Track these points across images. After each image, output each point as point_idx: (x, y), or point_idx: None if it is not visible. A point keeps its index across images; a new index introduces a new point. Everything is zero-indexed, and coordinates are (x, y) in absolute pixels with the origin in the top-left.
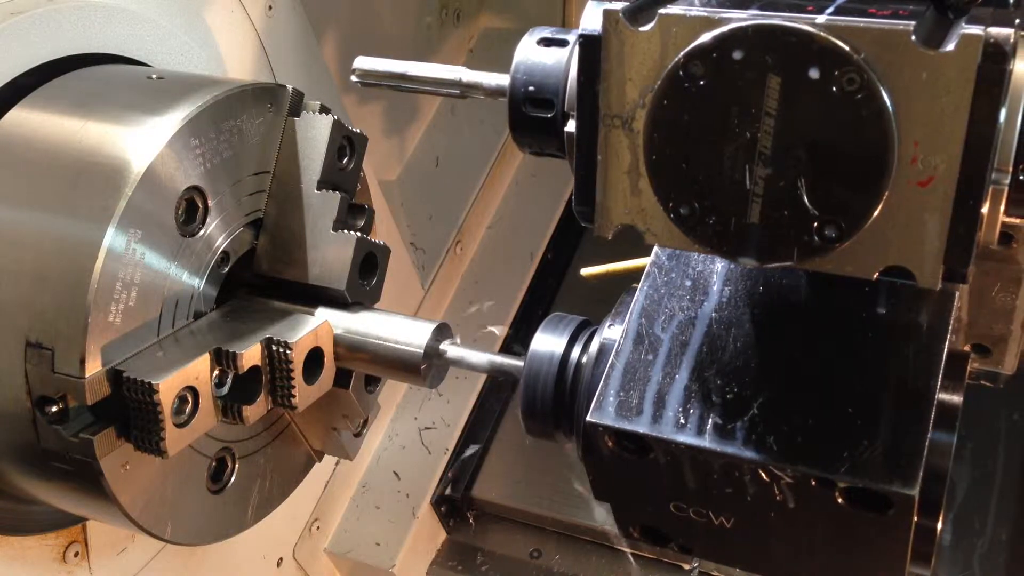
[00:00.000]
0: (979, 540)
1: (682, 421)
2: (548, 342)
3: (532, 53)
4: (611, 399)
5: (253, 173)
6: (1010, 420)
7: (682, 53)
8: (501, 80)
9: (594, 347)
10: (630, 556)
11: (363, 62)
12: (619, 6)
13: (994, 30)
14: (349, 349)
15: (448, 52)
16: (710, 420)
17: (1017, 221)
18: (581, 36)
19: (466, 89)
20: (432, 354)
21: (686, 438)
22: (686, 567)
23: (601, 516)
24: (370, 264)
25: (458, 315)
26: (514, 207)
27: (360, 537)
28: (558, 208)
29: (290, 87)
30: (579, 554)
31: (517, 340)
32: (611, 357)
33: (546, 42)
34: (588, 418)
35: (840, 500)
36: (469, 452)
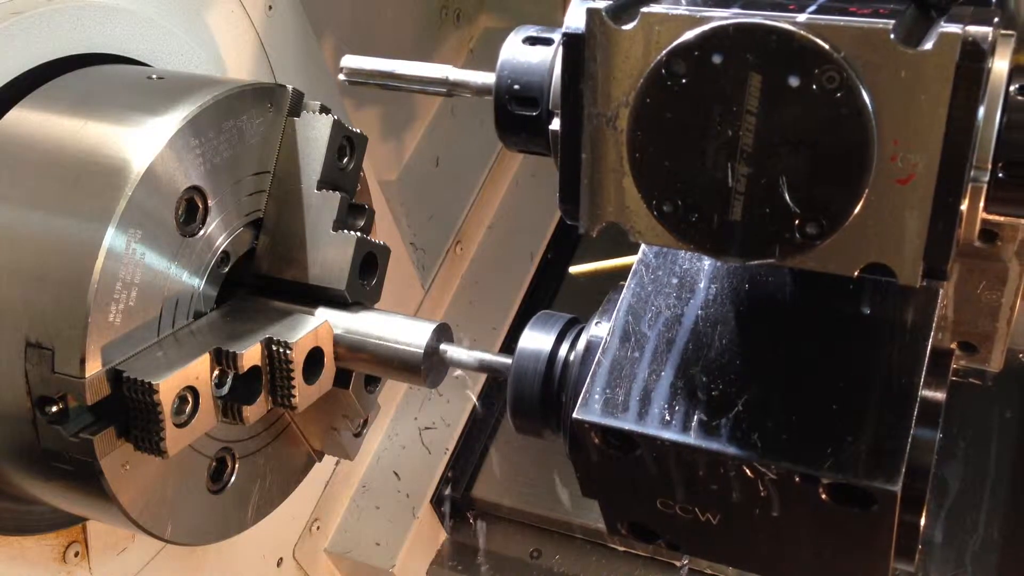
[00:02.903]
0: (971, 538)
1: (667, 418)
2: (536, 339)
3: (517, 52)
4: (597, 396)
5: (253, 173)
6: (1002, 418)
7: (664, 51)
8: (487, 79)
9: (581, 344)
10: None
11: (351, 60)
12: (602, 5)
13: (972, 28)
14: (349, 349)
15: (448, 52)
16: (695, 417)
17: (999, 219)
18: (565, 35)
19: (453, 88)
20: (432, 354)
21: (671, 435)
22: (677, 564)
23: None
24: (370, 264)
25: (458, 315)
26: (514, 207)
27: (360, 537)
28: (558, 208)
29: (290, 87)
30: (579, 554)
31: (516, 340)
32: (598, 354)
33: (531, 40)
34: (574, 415)
35: (824, 496)
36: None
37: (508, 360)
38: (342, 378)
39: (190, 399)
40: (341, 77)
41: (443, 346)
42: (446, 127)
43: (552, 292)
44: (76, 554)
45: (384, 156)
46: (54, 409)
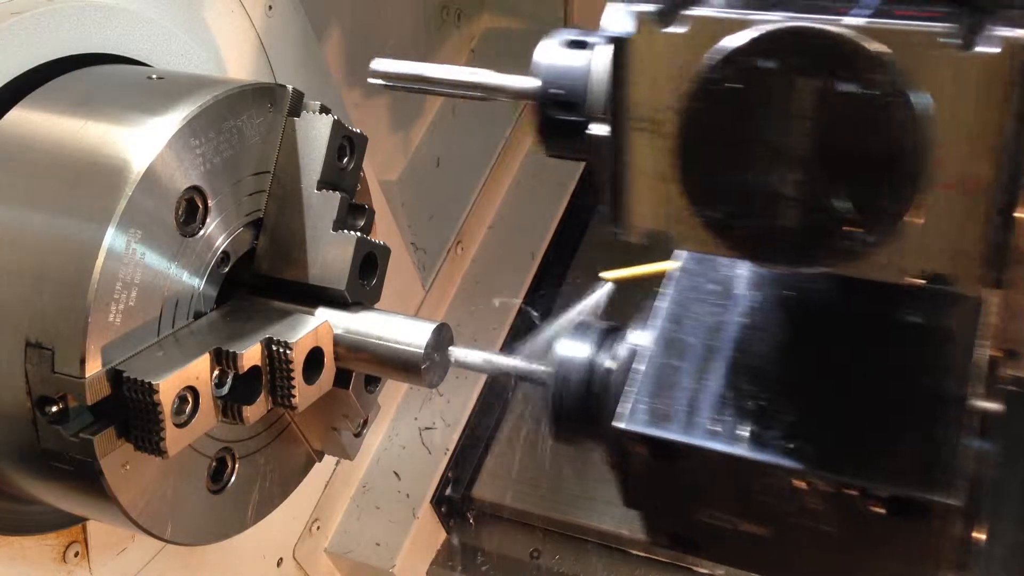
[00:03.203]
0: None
1: (715, 428)
2: (576, 348)
3: (557, 55)
4: (642, 406)
5: (253, 173)
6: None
7: (713, 55)
8: (526, 83)
9: (623, 352)
10: None
11: (381, 64)
12: (648, 7)
13: None
14: (349, 349)
15: (449, 52)
16: (743, 428)
17: None
18: (610, 38)
19: (489, 92)
20: (432, 354)
21: (720, 445)
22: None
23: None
24: (370, 264)
25: (459, 315)
26: (515, 207)
27: (360, 537)
28: (559, 208)
29: (290, 87)
30: (579, 554)
31: (517, 340)
32: (640, 363)
33: (570, 44)
34: (618, 424)
35: (878, 509)
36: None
37: (546, 368)
38: (342, 378)
39: (190, 399)
40: (371, 80)
41: (451, 347)
42: (447, 127)
43: (553, 292)
44: (76, 554)
45: (385, 156)
46: (54, 409)
